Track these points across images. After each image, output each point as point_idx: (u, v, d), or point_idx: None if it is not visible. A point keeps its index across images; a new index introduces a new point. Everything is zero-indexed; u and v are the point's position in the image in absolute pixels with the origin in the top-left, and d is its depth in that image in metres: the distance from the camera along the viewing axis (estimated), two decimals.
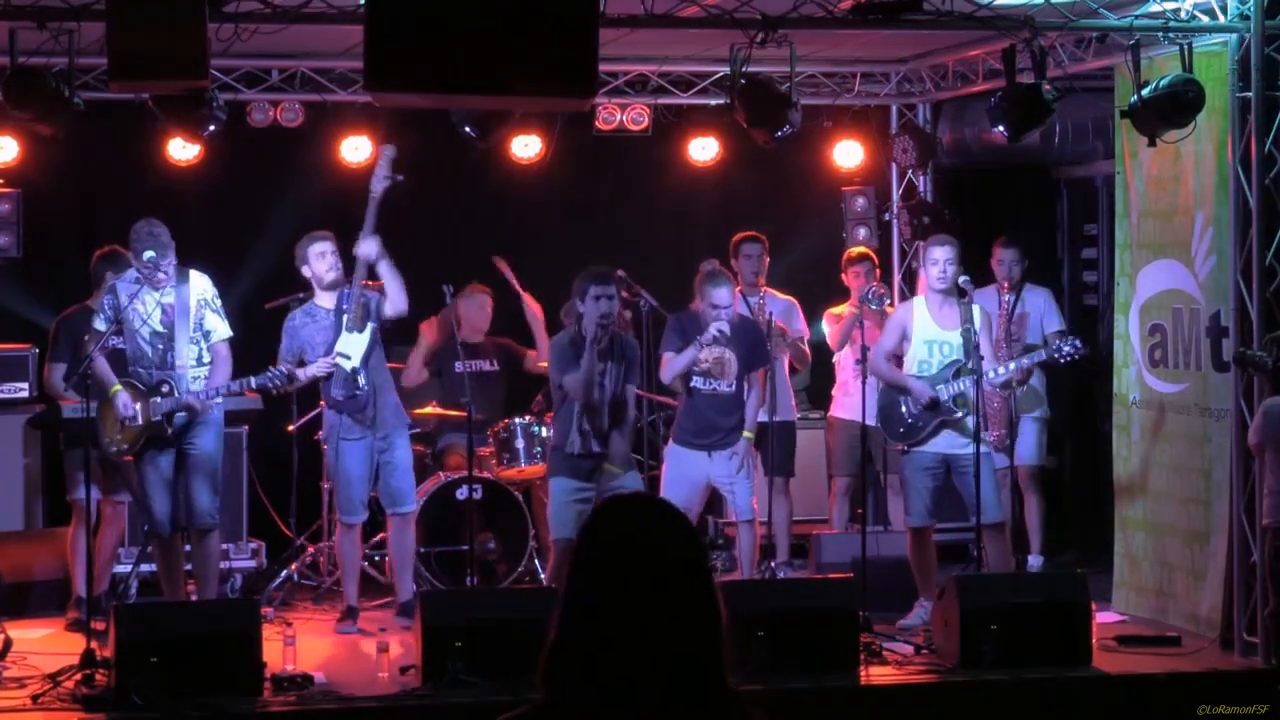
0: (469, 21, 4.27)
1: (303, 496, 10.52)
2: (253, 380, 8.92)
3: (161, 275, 8.66)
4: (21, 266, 11.05)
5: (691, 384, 9.30)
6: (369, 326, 9.26)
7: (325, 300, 9.36)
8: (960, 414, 8.97)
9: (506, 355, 10.79)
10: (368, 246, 9.15)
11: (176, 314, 8.72)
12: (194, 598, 8.92)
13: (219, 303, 8.86)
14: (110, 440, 8.76)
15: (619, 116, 11.45)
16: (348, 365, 9.22)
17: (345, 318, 9.21)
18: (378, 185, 9.27)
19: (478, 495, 9.82)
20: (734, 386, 9.30)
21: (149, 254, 8.67)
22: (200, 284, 8.82)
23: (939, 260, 9.10)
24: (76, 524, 9.50)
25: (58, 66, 8.85)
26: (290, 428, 10.44)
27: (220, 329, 8.84)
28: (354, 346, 9.24)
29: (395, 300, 9.19)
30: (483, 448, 10.17)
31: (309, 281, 9.43)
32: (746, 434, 9.39)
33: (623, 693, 2.64)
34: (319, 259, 9.29)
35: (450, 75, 4.31)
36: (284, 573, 10.19)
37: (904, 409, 9.17)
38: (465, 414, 9.26)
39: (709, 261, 9.87)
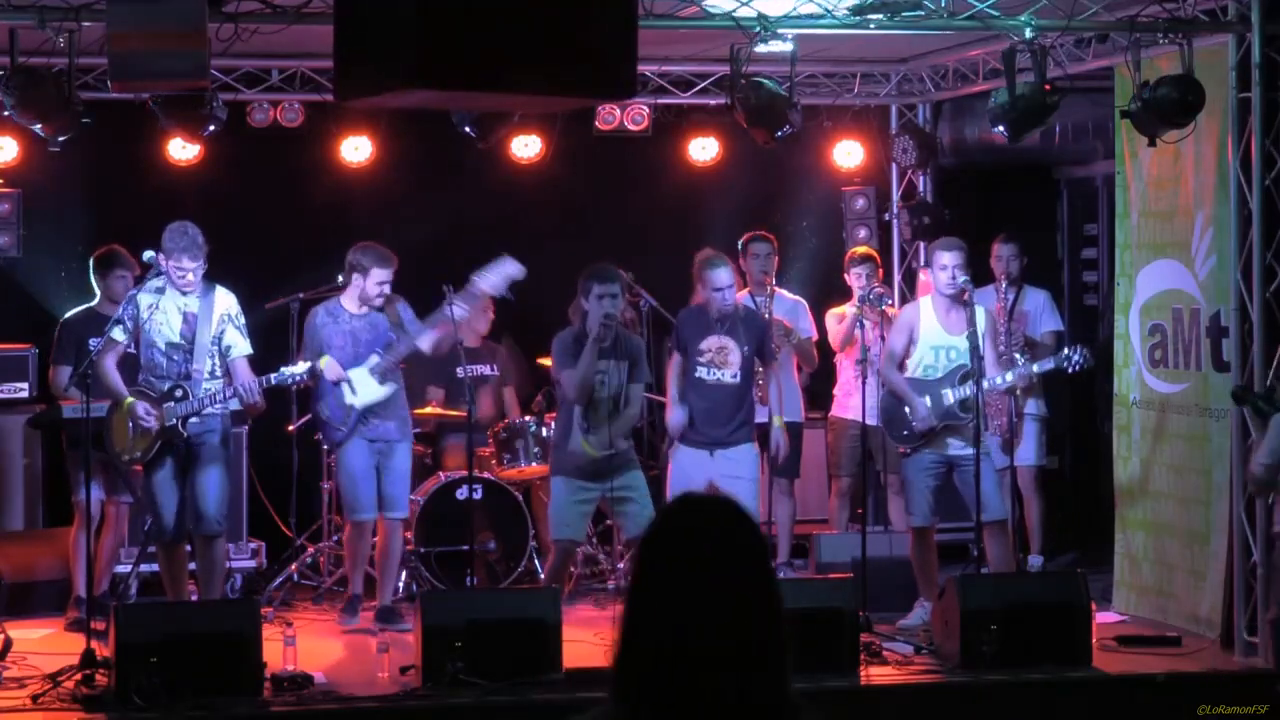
0: (501, 18, 4.21)
1: (303, 496, 10.53)
2: (272, 378, 8.92)
3: (191, 277, 8.63)
4: (21, 266, 11.06)
5: (695, 374, 9.27)
6: (390, 385, 9.28)
7: (351, 305, 9.34)
8: (966, 419, 8.97)
9: (504, 361, 10.79)
10: (459, 311, 9.12)
11: (198, 323, 8.70)
12: (194, 597, 8.92)
13: (242, 320, 8.83)
14: (123, 449, 8.74)
15: (619, 116, 11.45)
16: (350, 399, 9.23)
17: (375, 361, 9.20)
18: (484, 286, 9.15)
19: (478, 495, 9.82)
20: (738, 377, 9.24)
21: (148, 254, 8.66)
22: (226, 300, 8.79)
23: (948, 266, 9.06)
24: (78, 525, 9.49)
25: (58, 66, 8.85)
26: (290, 428, 10.44)
27: (241, 345, 8.81)
28: (367, 391, 9.24)
29: (426, 343, 9.22)
30: (483, 448, 10.17)
31: (341, 280, 9.34)
32: (777, 420, 9.45)
33: (688, 697, 2.60)
34: (377, 285, 9.23)
35: (484, 73, 4.25)
36: (284, 573, 10.19)
37: (907, 411, 9.16)
38: (465, 414, 9.25)
39: (704, 250, 9.85)
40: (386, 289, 9.27)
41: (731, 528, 2.70)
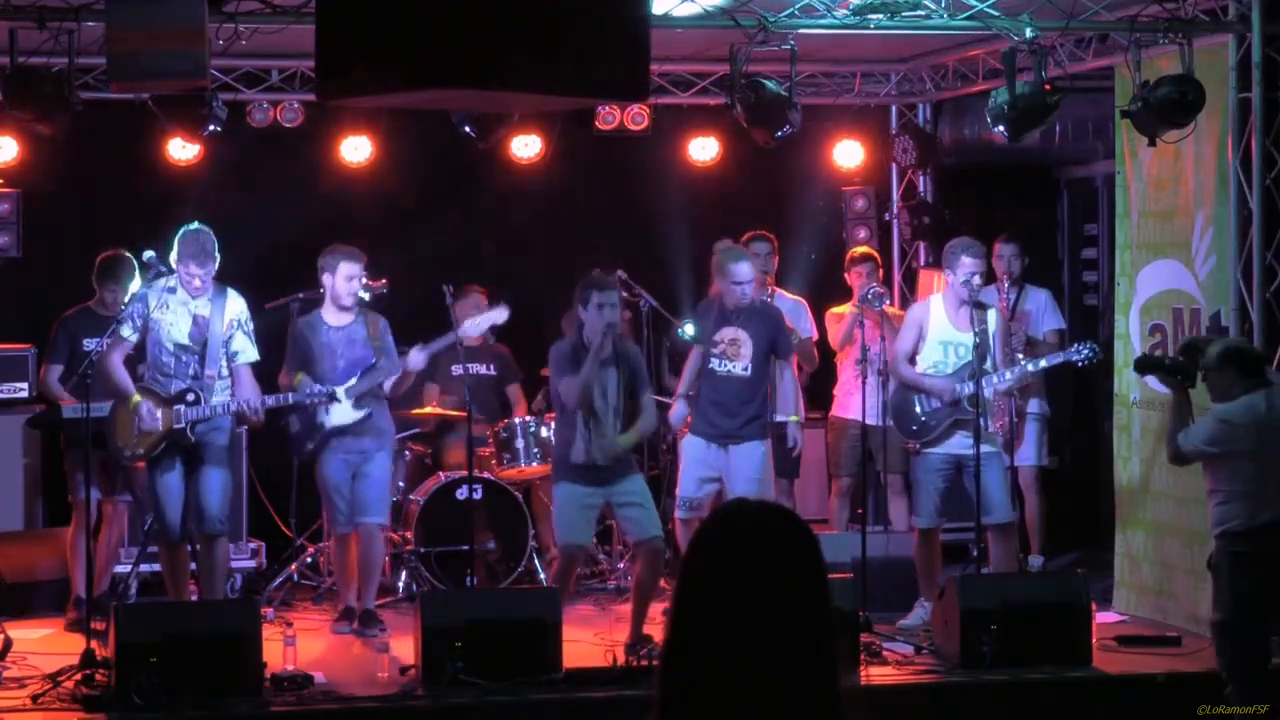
0: (507, 16, 4.17)
1: (303, 496, 10.51)
2: (290, 397, 8.95)
3: (199, 283, 8.63)
4: (21, 266, 11.05)
5: (709, 365, 9.27)
6: (364, 410, 9.17)
7: (330, 315, 9.28)
8: (974, 414, 8.96)
9: (503, 361, 10.78)
10: (418, 359, 9.21)
11: (210, 327, 8.69)
12: (195, 598, 8.92)
13: (250, 326, 8.83)
14: (125, 445, 8.73)
15: (619, 116, 11.45)
16: (321, 417, 9.14)
17: (351, 384, 9.11)
18: (472, 331, 9.33)
19: (478, 495, 9.81)
20: (750, 370, 9.25)
21: (148, 254, 8.67)
22: (237, 304, 8.79)
23: (973, 272, 9.07)
24: (77, 524, 9.49)
25: (58, 66, 8.85)
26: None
27: (248, 352, 8.81)
28: (339, 413, 9.12)
29: (390, 383, 9.30)
30: (483, 448, 10.16)
31: (320, 287, 9.30)
32: (794, 418, 9.47)
33: (734, 704, 2.58)
34: (346, 280, 9.16)
35: (488, 71, 4.20)
36: (284, 573, 10.18)
37: (918, 407, 9.17)
38: (465, 414, 9.25)
39: (723, 241, 9.82)
40: (357, 285, 9.18)
41: (781, 536, 2.67)
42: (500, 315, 9.32)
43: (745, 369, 9.25)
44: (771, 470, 9.43)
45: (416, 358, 9.19)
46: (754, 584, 2.61)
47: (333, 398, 9.03)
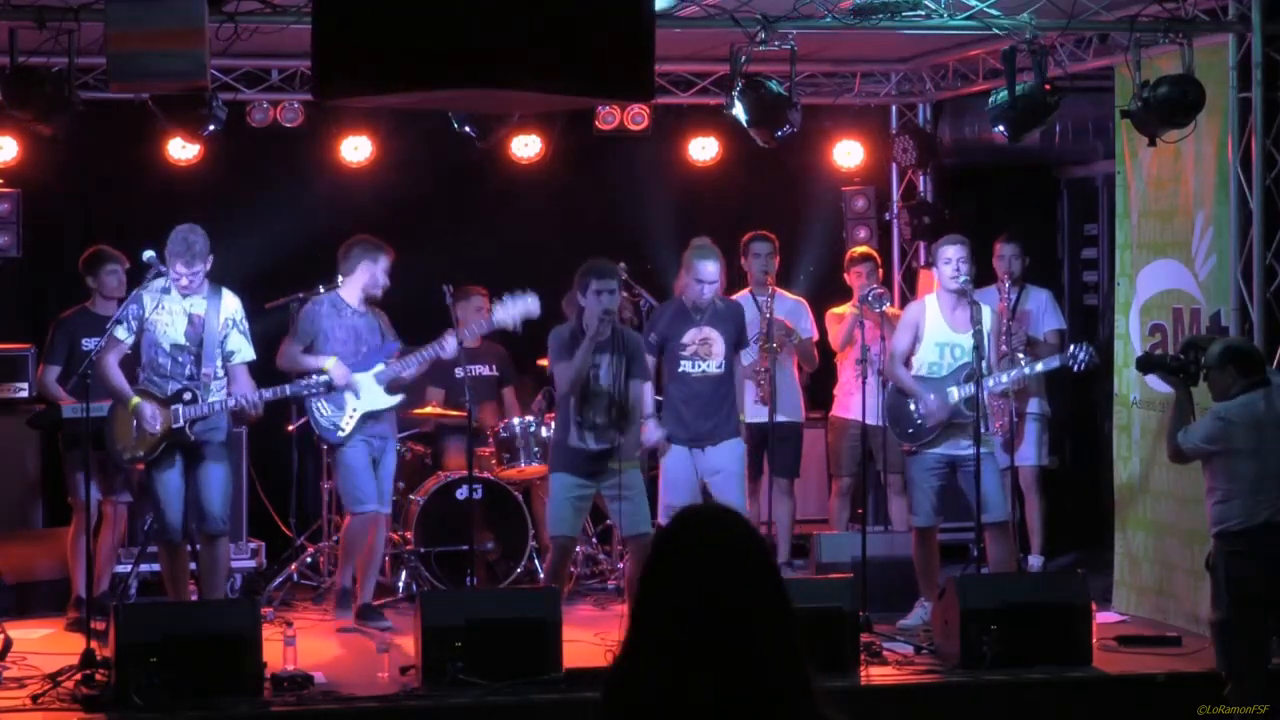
0: (520, 12, 4.16)
1: (303, 496, 10.52)
2: (288, 389, 8.97)
3: (186, 282, 8.63)
4: (21, 266, 11.05)
5: (679, 369, 9.25)
6: (398, 397, 9.36)
7: (352, 298, 9.32)
8: (971, 417, 8.95)
9: (503, 361, 10.78)
10: (451, 345, 9.27)
11: (206, 326, 8.69)
12: (195, 598, 8.92)
13: (246, 325, 8.84)
14: (124, 447, 8.73)
15: (619, 116, 11.45)
16: (353, 403, 9.20)
17: (381, 370, 9.22)
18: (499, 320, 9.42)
19: (478, 495, 9.81)
20: (723, 367, 9.25)
21: (148, 254, 8.67)
22: (232, 303, 8.80)
23: (952, 259, 9.07)
24: (77, 524, 9.49)
25: (58, 66, 8.86)
26: (290, 428, 10.44)
27: (244, 351, 8.81)
28: (372, 399, 9.23)
29: (411, 372, 9.40)
30: (483, 448, 10.16)
31: (345, 275, 9.33)
32: (741, 416, 9.45)
33: (694, 705, 2.59)
34: (384, 273, 9.29)
35: (498, 71, 4.19)
36: (284, 573, 10.18)
37: (913, 409, 9.16)
38: (465, 414, 9.25)
39: (701, 237, 9.82)
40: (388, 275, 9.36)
41: (733, 538, 2.70)
42: (534, 307, 9.37)
43: (719, 366, 9.25)
44: (745, 465, 9.43)
45: (451, 343, 9.25)
46: (711, 586, 2.64)
47: (330, 387, 9.06)
